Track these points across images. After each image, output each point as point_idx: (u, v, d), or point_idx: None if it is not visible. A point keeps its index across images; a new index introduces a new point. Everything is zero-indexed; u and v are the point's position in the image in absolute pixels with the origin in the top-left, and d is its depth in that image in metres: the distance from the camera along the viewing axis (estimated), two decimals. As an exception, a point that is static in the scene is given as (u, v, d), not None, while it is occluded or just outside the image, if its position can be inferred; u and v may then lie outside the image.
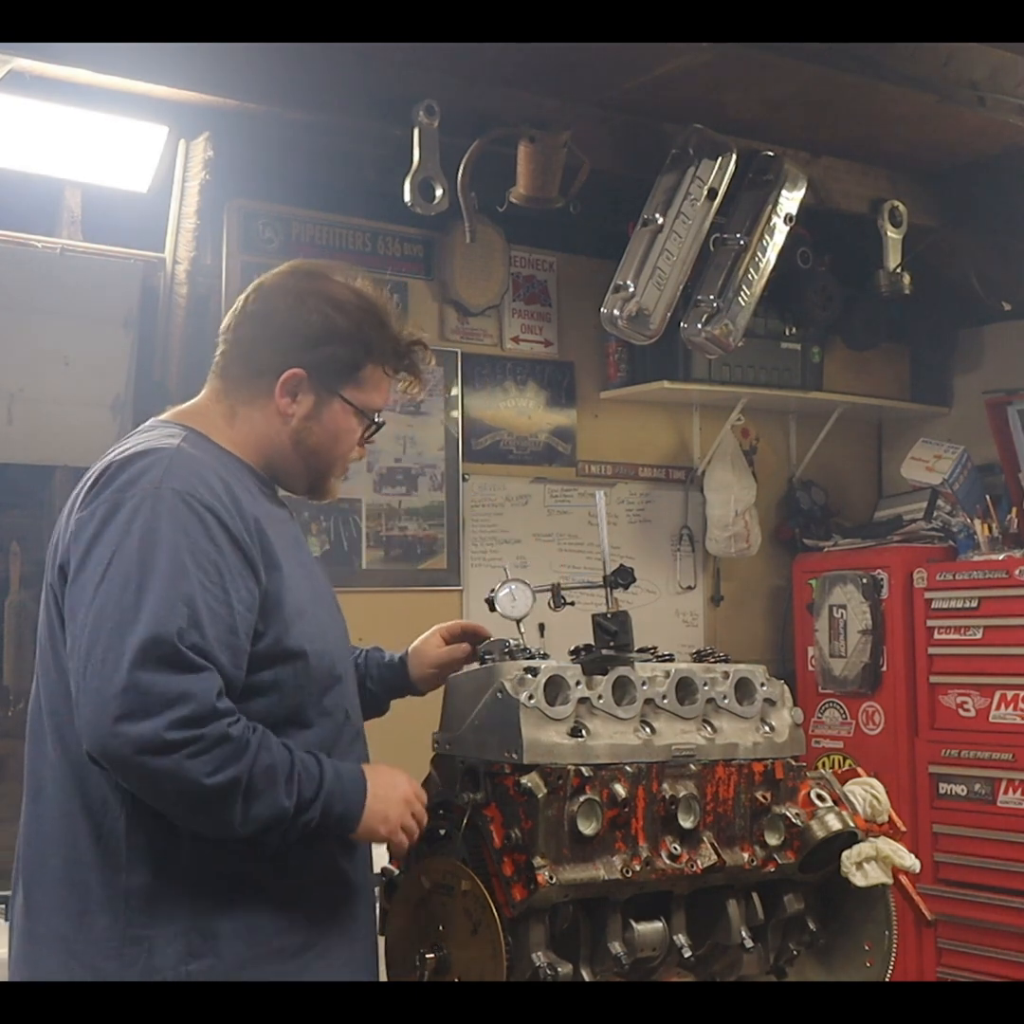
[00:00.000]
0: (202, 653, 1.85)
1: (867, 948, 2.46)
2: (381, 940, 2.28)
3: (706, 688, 2.32)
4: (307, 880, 2.05)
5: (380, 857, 2.33)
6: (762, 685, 2.39)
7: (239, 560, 1.95)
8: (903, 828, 2.50)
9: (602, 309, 4.22)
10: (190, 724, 1.81)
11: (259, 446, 2.12)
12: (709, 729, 2.30)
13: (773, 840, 2.32)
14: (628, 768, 2.18)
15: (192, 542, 1.90)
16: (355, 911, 2.14)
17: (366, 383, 2.14)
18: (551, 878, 2.07)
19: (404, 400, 2.28)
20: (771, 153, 4.39)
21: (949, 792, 4.66)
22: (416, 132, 3.83)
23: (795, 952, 2.43)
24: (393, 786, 2.08)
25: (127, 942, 1.94)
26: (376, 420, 2.20)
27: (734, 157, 4.22)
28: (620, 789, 2.15)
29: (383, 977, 2.26)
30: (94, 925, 1.95)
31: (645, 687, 2.25)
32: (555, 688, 2.17)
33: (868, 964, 2.46)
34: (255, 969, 1.98)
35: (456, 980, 2.12)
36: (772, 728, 2.37)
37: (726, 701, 2.34)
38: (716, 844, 2.26)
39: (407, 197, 3.87)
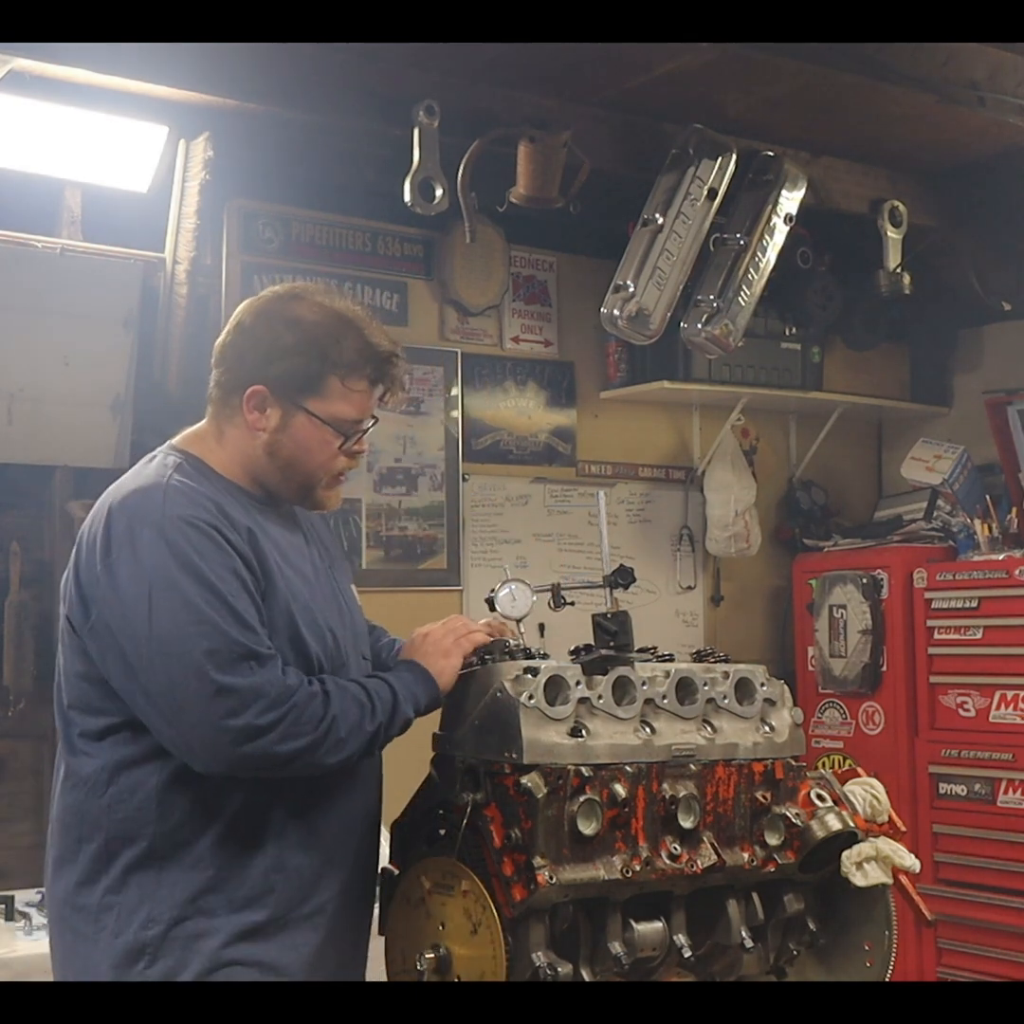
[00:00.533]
0: (259, 644, 2.05)
1: (867, 948, 2.45)
2: (381, 940, 2.28)
3: (706, 688, 2.32)
4: (269, 865, 2.13)
5: (381, 858, 2.33)
6: (762, 685, 2.38)
7: (245, 567, 2.10)
8: (903, 828, 2.50)
9: (602, 309, 4.22)
10: (275, 705, 2.01)
11: (243, 463, 2.22)
12: (709, 729, 2.30)
13: (773, 840, 2.31)
14: (628, 768, 2.18)
15: (210, 558, 2.06)
16: (328, 900, 2.18)
17: (330, 395, 2.18)
18: (551, 878, 2.07)
19: (386, 408, 2.30)
20: (771, 153, 4.39)
21: (949, 792, 4.66)
22: (416, 132, 3.83)
23: (795, 952, 2.43)
24: (425, 639, 2.28)
25: (101, 909, 2.10)
26: (360, 428, 2.23)
27: (734, 157, 4.23)
28: (620, 789, 2.15)
29: (375, 977, 2.26)
30: (79, 893, 2.13)
31: (645, 687, 2.25)
32: (555, 688, 2.17)
33: (868, 964, 2.45)
34: (208, 939, 2.08)
35: (456, 980, 2.12)
36: (772, 728, 2.37)
37: (726, 701, 2.33)
38: (716, 844, 2.25)
39: (407, 197, 3.87)
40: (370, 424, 2.24)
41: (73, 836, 2.14)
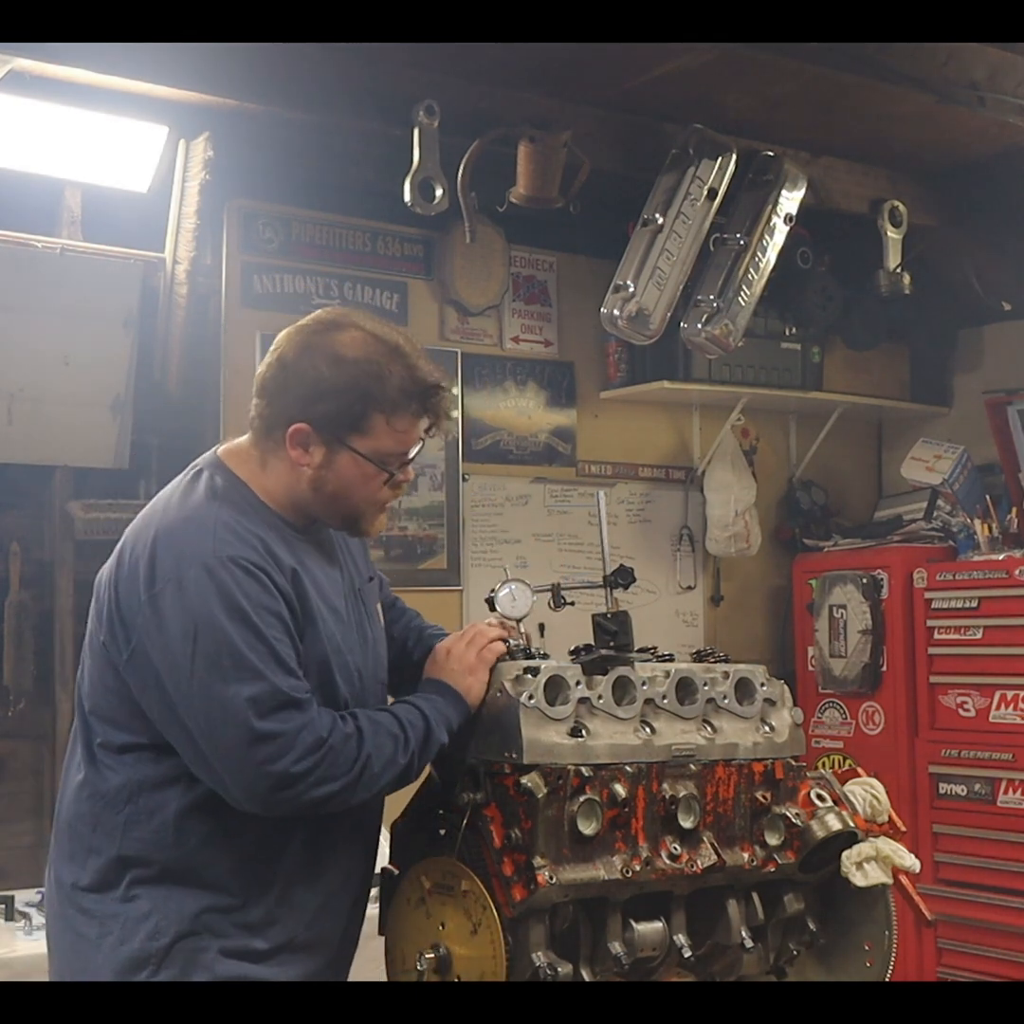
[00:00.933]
0: (299, 690, 2.05)
1: (867, 948, 2.45)
2: (381, 940, 2.28)
3: (706, 688, 2.32)
4: (274, 886, 2.13)
5: (381, 858, 2.33)
6: (762, 685, 2.39)
7: (288, 610, 2.10)
8: (903, 828, 2.50)
9: (602, 309, 4.22)
10: (311, 751, 2.02)
11: (287, 494, 2.19)
12: (709, 729, 2.30)
13: (773, 840, 2.31)
14: (628, 768, 2.18)
15: (256, 601, 2.05)
16: (323, 926, 2.19)
17: (374, 432, 2.14)
18: (551, 878, 2.07)
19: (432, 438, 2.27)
20: (771, 153, 4.39)
21: (949, 792, 4.66)
22: (416, 132, 3.83)
23: (795, 952, 2.43)
24: (449, 657, 2.26)
25: (107, 916, 2.09)
26: (404, 460, 2.20)
27: (734, 157, 4.22)
28: (620, 789, 2.15)
29: (375, 977, 2.27)
30: (85, 897, 2.12)
31: (645, 687, 2.25)
32: (555, 688, 2.17)
33: (868, 964, 2.45)
34: (211, 955, 2.08)
35: (456, 980, 2.12)
36: (772, 728, 2.37)
37: (726, 701, 2.34)
38: (716, 844, 2.25)
39: (407, 197, 3.87)
40: (416, 452, 2.20)
41: (84, 845, 2.13)
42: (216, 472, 2.19)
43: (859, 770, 2.57)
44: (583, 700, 2.19)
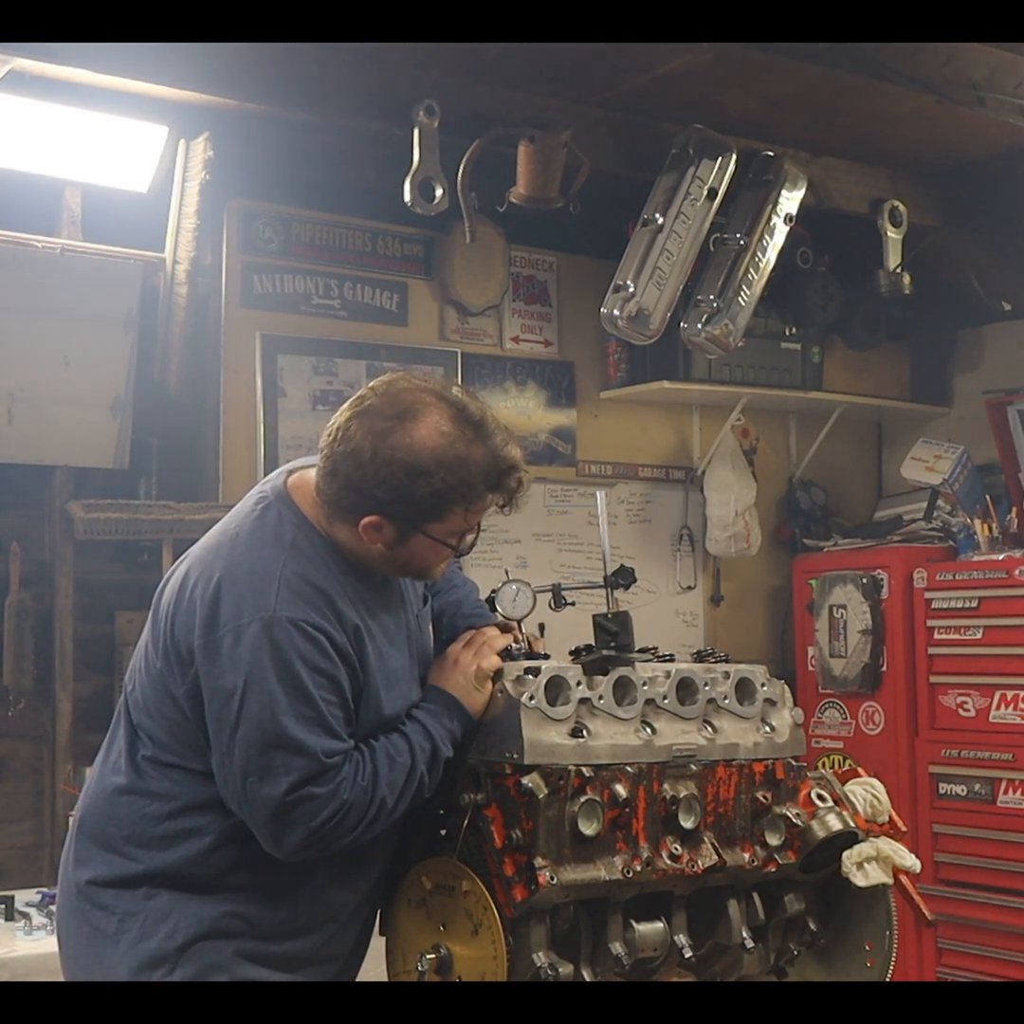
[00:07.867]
0: (335, 753, 2.06)
1: (867, 948, 2.46)
2: (382, 940, 2.29)
3: (707, 688, 2.32)
4: (298, 907, 2.15)
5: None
6: (762, 685, 2.39)
7: (348, 667, 2.10)
8: (903, 828, 2.50)
9: (602, 309, 4.22)
10: (332, 815, 2.04)
11: (353, 552, 2.17)
12: (710, 729, 2.30)
13: (774, 840, 2.32)
14: (629, 768, 2.18)
15: (311, 664, 2.05)
16: (335, 938, 2.21)
17: (450, 519, 2.13)
18: (552, 878, 2.07)
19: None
20: (771, 153, 4.39)
21: (949, 792, 4.66)
22: (416, 132, 3.83)
23: (796, 952, 2.43)
24: (456, 667, 2.24)
25: (127, 914, 2.11)
26: (474, 532, 2.19)
27: (734, 157, 4.22)
28: (621, 789, 2.15)
29: (375, 977, 2.27)
30: (102, 893, 2.13)
31: (646, 687, 2.25)
32: (556, 688, 2.17)
33: (868, 964, 2.46)
34: (227, 956, 2.10)
35: (457, 980, 2.12)
36: (773, 728, 2.37)
37: (727, 701, 2.34)
38: (717, 844, 2.26)
39: (407, 197, 3.87)
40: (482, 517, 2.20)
41: (111, 847, 2.14)
42: (285, 509, 2.16)
43: (859, 770, 2.57)
44: (584, 700, 2.19)
